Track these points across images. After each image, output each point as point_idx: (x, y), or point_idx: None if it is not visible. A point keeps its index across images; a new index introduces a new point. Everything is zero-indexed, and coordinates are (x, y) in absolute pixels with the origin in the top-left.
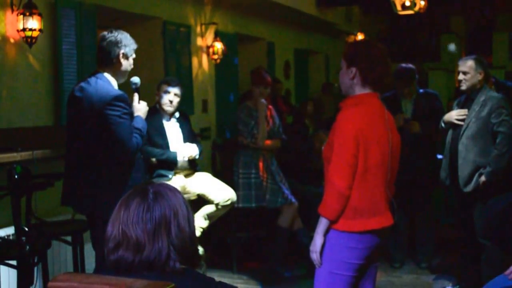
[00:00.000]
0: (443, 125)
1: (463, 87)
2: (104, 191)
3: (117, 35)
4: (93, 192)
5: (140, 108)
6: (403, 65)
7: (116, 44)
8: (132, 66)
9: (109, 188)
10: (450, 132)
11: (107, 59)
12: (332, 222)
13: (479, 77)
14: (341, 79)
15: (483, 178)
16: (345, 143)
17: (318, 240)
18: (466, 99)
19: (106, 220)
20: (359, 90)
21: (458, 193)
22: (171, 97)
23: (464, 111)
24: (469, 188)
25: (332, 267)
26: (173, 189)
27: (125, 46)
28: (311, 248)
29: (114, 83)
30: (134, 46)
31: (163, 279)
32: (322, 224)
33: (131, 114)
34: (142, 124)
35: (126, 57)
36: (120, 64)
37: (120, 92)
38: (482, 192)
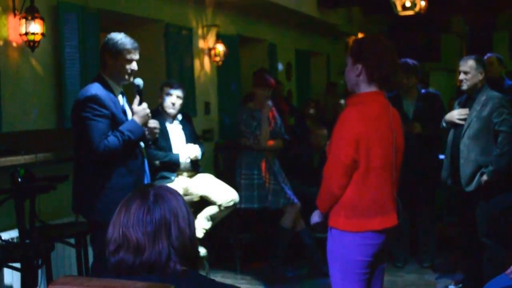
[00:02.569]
0: (444, 125)
1: (464, 86)
2: (83, 192)
3: (108, 37)
4: (76, 192)
5: (137, 111)
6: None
7: (104, 45)
8: (132, 67)
9: (88, 189)
10: (451, 132)
11: (101, 61)
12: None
13: (480, 76)
14: (346, 76)
15: (485, 178)
16: (343, 144)
17: (316, 216)
18: (467, 98)
19: (91, 220)
20: (365, 88)
21: (460, 193)
22: (173, 100)
23: (465, 111)
24: (471, 187)
25: (341, 266)
26: (174, 192)
27: (112, 46)
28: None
29: (113, 84)
30: (127, 46)
31: (163, 281)
32: (318, 211)
33: (108, 116)
34: (129, 127)
35: (115, 57)
36: (110, 65)
37: (93, 93)
38: (484, 192)
